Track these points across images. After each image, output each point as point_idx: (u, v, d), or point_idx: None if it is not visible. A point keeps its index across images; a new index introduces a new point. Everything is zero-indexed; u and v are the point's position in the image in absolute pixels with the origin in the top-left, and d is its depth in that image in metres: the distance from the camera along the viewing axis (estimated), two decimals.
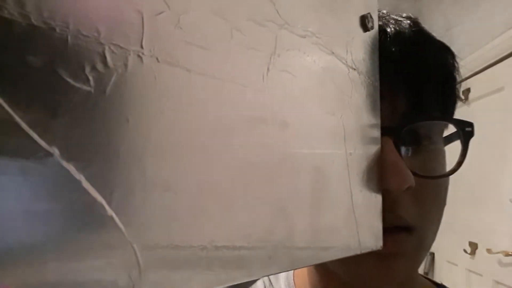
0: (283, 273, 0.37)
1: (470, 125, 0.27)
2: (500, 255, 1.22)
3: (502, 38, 1.27)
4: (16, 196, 0.09)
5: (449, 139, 0.29)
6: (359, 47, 0.22)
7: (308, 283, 0.34)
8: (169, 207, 0.12)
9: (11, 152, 0.09)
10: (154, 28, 0.12)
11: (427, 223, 0.27)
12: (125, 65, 0.11)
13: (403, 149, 0.26)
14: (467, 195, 1.43)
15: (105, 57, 0.11)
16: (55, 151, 0.10)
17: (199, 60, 0.14)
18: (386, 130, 0.24)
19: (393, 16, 0.28)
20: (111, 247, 0.11)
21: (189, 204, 0.13)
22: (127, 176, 0.11)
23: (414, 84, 0.26)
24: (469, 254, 1.41)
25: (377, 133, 0.24)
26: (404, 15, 0.28)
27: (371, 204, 0.23)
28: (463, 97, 1.46)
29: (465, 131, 0.27)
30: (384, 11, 0.28)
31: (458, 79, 0.29)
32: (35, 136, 0.09)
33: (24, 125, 0.09)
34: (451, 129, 0.28)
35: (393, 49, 0.25)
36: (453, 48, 0.28)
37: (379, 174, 0.23)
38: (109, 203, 0.11)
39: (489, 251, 1.26)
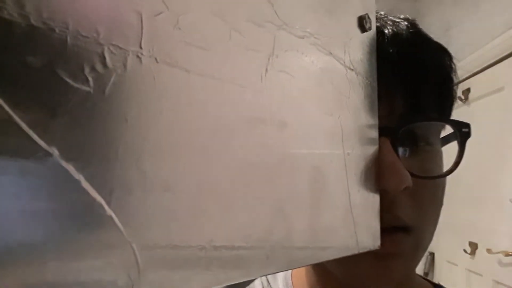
0: (281, 273, 0.37)
1: (467, 126, 0.27)
2: (500, 255, 1.22)
3: (502, 38, 1.27)
4: (15, 196, 0.09)
5: (446, 140, 0.29)
6: (357, 47, 0.23)
7: (306, 283, 0.34)
8: (168, 207, 0.12)
9: (11, 152, 0.09)
10: (153, 28, 0.12)
11: (424, 223, 0.27)
12: (124, 66, 0.11)
13: (400, 150, 0.26)
14: (467, 195, 1.43)
15: (104, 58, 0.11)
16: (55, 151, 0.10)
17: (198, 60, 0.14)
18: (383, 131, 0.24)
19: (390, 17, 0.28)
20: (110, 247, 0.11)
21: (188, 204, 0.13)
22: (126, 176, 0.11)
23: (412, 85, 0.26)
24: (469, 254, 1.41)
25: (374, 133, 0.24)
26: (401, 16, 0.28)
27: (368, 204, 0.23)
28: (463, 97, 1.46)
29: (462, 132, 0.27)
30: (382, 13, 0.28)
31: (455, 80, 0.29)
32: (34, 136, 0.09)
33: (23, 125, 0.09)
34: (448, 130, 0.29)
35: (391, 50, 0.25)
36: (453, 48, 0.28)
37: (376, 175, 0.23)
38: (108, 203, 0.11)
39: (489, 251, 1.26)
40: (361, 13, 0.23)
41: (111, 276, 0.11)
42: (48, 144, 0.10)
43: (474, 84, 1.44)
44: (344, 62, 0.21)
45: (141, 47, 0.12)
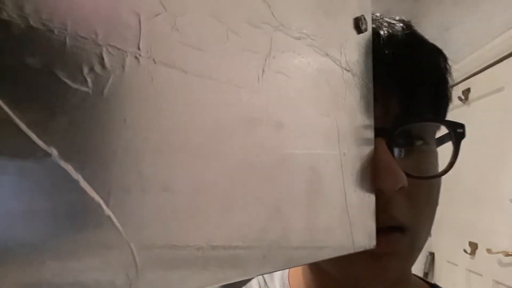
0: (278, 273, 0.37)
1: (462, 126, 0.28)
2: (500, 255, 1.22)
3: (502, 38, 1.27)
4: (14, 196, 0.09)
5: (441, 140, 0.30)
6: (353, 49, 0.23)
7: (302, 283, 0.34)
8: (166, 207, 0.13)
9: (10, 152, 0.09)
10: (151, 29, 0.12)
11: (420, 223, 0.27)
12: (123, 66, 0.11)
13: (396, 150, 0.26)
14: (467, 195, 1.44)
15: (102, 59, 0.11)
16: (53, 151, 0.10)
17: (196, 61, 0.14)
18: (379, 131, 0.24)
19: (386, 19, 0.28)
20: (108, 247, 0.11)
21: (186, 204, 0.13)
22: (124, 176, 0.11)
23: (407, 86, 0.26)
24: (469, 254, 1.41)
25: (370, 134, 0.24)
26: (397, 18, 0.29)
27: (364, 204, 0.23)
28: (463, 97, 1.46)
29: (457, 133, 0.28)
30: (378, 14, 0.29)
31: (450, 81, 0.29)
32: (33, 136, 0.10)
33: (22, 126, 0.09)
34: (443, 130, 0.29)
35: (386, 51, 0.26)
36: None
37: (372, 175, 0.24)
38: (106, 203, 0.11)
39: (489, 251, 1.26)
40: (357, 14, 0.23)
41: (110, 276, 0.11)
42: (47, 144, 0.10)
43: (474, 84, 1.44)
44: (340, 63, 0.22)
45: (139, 48, 0.12)
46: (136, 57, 0.12)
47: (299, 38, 0.19)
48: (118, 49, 0.11)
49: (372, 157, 0.24)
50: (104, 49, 0.11)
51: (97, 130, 0.11)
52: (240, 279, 0.16)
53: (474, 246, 1.40)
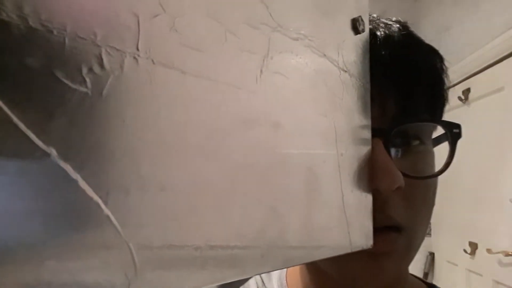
0: (276, 273, 0.37)
1: (458, 126, 0.28)
2: (500, 255, 1.22)
3: (502, 38, 1.27)
4: (13, 196, 0.09)
5: (438, 140, 0.30)
6: (350, 49, 0.23)
7: (300, 283, 0.34)
8: (165, 207, 0.13)
9: (9, 152, 0.09)
10: (149, 30, 0.12)
11: (416, 223, 0.27)
12: (121, 67, 0.11)
13: (393, 150, 0.26)
14: (467, 195, 1.44)
15: (101, 59, 0.11)
16: (52, 151, 0.10)
17: (194, 62, 0.14)
18: (376, 132, 0.24)
19: (383, 19, 0.28)
20: (107, 247, 0.11)
21: (184, 204, 0.13)
22: (123, 176, 0.11)
23: (404, 87, 0.26)
24: (469, 254, 1.41)
25: (367, 134, 0.24)
26: (393, 19, 0.29)
27: (361, 204, 0.23)
28: (463, 97, 1.46)
29: (453, 133, 0.28)
30: (374, 15, 0.29)
31: (447, 82, 0.29)
32: (32, 136, 0.10)
33: (22, 126, 0.09)
34: (440, 130, 0.29)
35: (383, 52, 0.26)
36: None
37: (369, 175, 0.24)
38: (105, 203, 0.11)
39: (489, 251, 1.26)
40: (355, 15, 0.23)
41: (108, 276, 0.11)
42: (46, 144, 0.10)
43: (474, 84, 1.44)
44: (338, 64, 0.22)
45: (138, 49, 0.12)
46: (134, 58, 0.12)
47: (296, 39, 0.19)
48: (117, 49, 0.11)
49: (369, 157, 0.24)
50: (103, 50, 0.11)
51: (96, 130, 0.11)
52: (238, 279, 0.16)
53: (474, 246, 1.40)
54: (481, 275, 1.36)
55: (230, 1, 0.15)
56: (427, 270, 1.73)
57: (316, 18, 0.20)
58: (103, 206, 0.11)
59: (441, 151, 0.30)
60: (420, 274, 1.71)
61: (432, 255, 1.75)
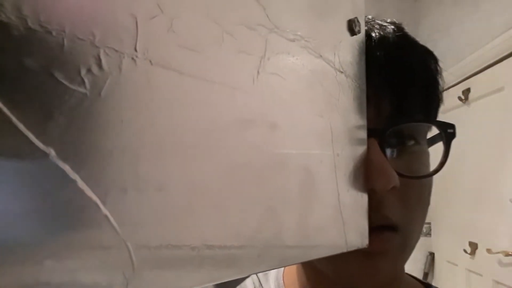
0: (273, 273, 0.37)
1: (452, 127, 0.28)
2: (500, 255, 1.22)
3: (502, 38, 1.27)
4: (12, 196, 0.09)
5: (433, 140, 0.30)
6: (346, 50, 0.23)
7: (297, 282, 0.34)
8: (162, 207, 0.13)
9: (8, 152, 0.09)
10: (147, 31, 0.12)
11: (411, 222, 0.27)
12: (120, 68, 0.12)
13: (388, 150, 0.27)
14: (467, 195, 1.44)
15: (100, 60, 0.11)
16: (51, 152, 0.10)
17: (191, 63, 0.14)
18: (371, 132, 0.24)
19: (378, 21, 0.29)
20: (105, 246, 0.11)
21: (182, 204, 0.13)
22: (121, 176, 0.11)
23: (399, 87, 0.26)
24: (469, 254, 1.41)
25: (363, 134, 0.24)
26: (388, 20, 0.29)
27: (357, 204, 0.23)
28: (463, 97, 1.46)
29: (447, 133, 0.28)
30: (370, 16, 0.29)
31: (441, 83, 0.30)
32: (31, 136, 0.10)
33: (21, 126, 0.09)
34: (434, 131, 0.29)
35: (378, 53, 0.26)
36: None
37: (365, 175, 0.24)
38: (103, 203, 0.11)
39: (489, 251, 1.26)
40: (351, 16, 0.24)
41: (107, 275, 0.11)
42: (45, 144, 0.10)
43: (474, 84, 1.44)
44: (334, 65, 0.22)
45: (136, 50, 0.12)
46: (133, 59, 0.12)
47: (293, 40, 0.19)
48: (115, 50, 0.11)
49: (365, 157, 0.24)
50: (102, 51, 0.11)
51: (94, 131, 0.11)
52: (235, 278, 0.16)
53: (474, 246, 1.40)
54: (481, 275, 1.36)
55: (227, 3, 0.15)
56: (427, 270, 1.73)
57: (313, 20, 0.20)
58: (101, 206, 0.11)
59: (438, 151, 0.30)
60: (420, 274, 1.71)
61: (432, 255, 1.75)
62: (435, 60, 0.29)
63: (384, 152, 0.25)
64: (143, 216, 0.12)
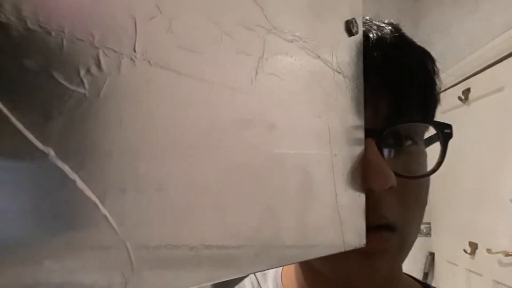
0: (271, 273, 0.37)
1: (449, 127, 0.28)
2: (500, 255, 1.22)
3: (502, 38, 1.26)
4: (11, 196, 0.10)
5: (430, 140, 0.30)
6: (344, 51, 0.23)
7: (295, 282, 0.35)
8: (161, 207, 0.13)
9: (8, 152, 0.09)
10: (146, 32, 0.12)
11: (409, 222, 0.28)
12: (119, 68, 0.12)
13: (385, 151, 0.27)
14: (467, 195, 1.44)
15: (99, 61, 0.11)
16: (51, 152, 0.10)
17: (190, 63, 0.14)
18: (369, 132, 0.25)
19: (375, 22, 0.29)
20: (104, 246, 0.11)
21: (180, 204, 0.13)
22: (120, 176, 0.12)
23: (396, 88, 0.27)
24: (469, 254, 1.41)
25: (361, 135, 0.24)
26: (386, 21, 0.29)
27: (355, 204, 0.23)
28: (463, 97, 1.46)
29: (444, 133, 0.28)
30: (367, 17, 0.29)
31: (438, 83, 0.30)
32: (31, 137, 0.10)
33: (20, 126, 0.09)
34: (432, 131, 0.29)
35: (375, 54, 0.26)
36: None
37: (362, 175, 0.24)
38: (102, 203, 0.11)
39: (489, 251, 1.26)
40: (348, 17, 0.24)
41: (106, 275, 0.11)
42: (44, 144, 0.10)
43: (474, 84, 1.43)
44: (332, 65, 0.22)
45: (135, 50, 0.12)
46: (132, 59, 0.12)
47: (291, 41, 0.19)
48: (114, 51, 0.11)
49: (363, 157, 0.24)
50: (101, 51, 0.11)
51: (93, 131, 0.11)
52: (233, 277, 0.16)
53: (474, 246, 1.40)
54: (481, 275, 1.36)
55: (225, 4, 0.15)
56: (427, 270, 1.73)
57: (311, 20, 0.21)
58: (100, 206, 0.11)
59: (436, 151, 0.30)
60: (420, 274, 1.71)
61: (432, 255, 1.75)
62: (432, 60, 0.30)
63: (381, 152, 0.25)
64: (142, 216, 0.12)
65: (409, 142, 0.28)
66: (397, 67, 0.27)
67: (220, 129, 0.15)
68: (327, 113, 0.21)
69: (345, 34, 0.23)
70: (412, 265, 1.71)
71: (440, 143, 0.29)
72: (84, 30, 0.11)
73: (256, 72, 0.17)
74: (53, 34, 0.10)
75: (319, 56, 0.21)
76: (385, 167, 0.24)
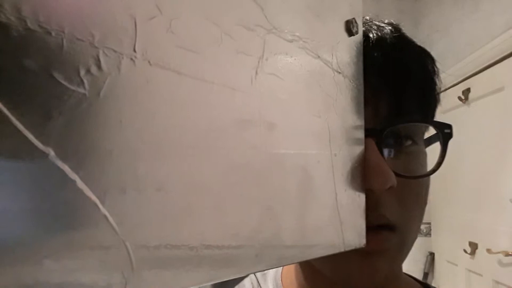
0: (271, 273, 0.37)
1: (449, 127, 0.28)
2: (500, 255, 1.22)
3: (502, 38, 1.26)
4: (11, 196, 0.10)
5: (430, 140, 0.30)
6: (344, 51, 0.23)
7: (295, 282, 0.35)
8: (161, 207, 0.13)
9: (8, 152, 0.09)
10: (146, 32, 0.12)
11: (408, 222, 0.28)
12: (119, 68, 0.12)
13: (385, 150, 0.27)
14: (467, 195, 1.44)
15: (99, 61, 0.11)
16: (51, 152, 0.10)
17: (190, 63, 0.14)
18: (369, 132, 0.25)
19: (375, 22, 0.29)
20: (104, 246, 0.11)
21: (180, 204, 0.13)
22: (120, 176, 0.12)
23: (396, 88, 0.27)
24: (469, 254, 1.41)
25: (361, 134, 0.24)
26: (386, 21, 0.29)
27: (355, 203, 0.23)
28: (463, 97, 1.46)
29: (444, 133, 0.28)
30: (367, 17, 0.29)
31: (438, 83, 0.30)
32: (31, 137, 0.10)
33: (20, 126, 0.09)
34: (432, 131, 0.29)
35: (375, 54, 0.26)
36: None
37: (362, 174, 0.24)
38: (102, 203, 0.11)
39: (489, 251, 1.26)
40: (349, 17, 0.24)
41: (106, 275, 0.11)
42: (44, 144, 0.10)
43: (474, 84, 1.43)
44: (332, 65, 0.22)
45: (135, 50, 0.12)
46: (132, 59, 0.12)
47: (291, 41, 0.19)
48: (114, 51, 0.11)
49: (362, 157, 0.24)
50: (101, 51, 0.11)
51: (93, 131, 0.11)
52: (232, 277, 0.16)
53: (474, 246, 1.39)
54: (481, 275, 1.36)
55: (225, 3, 0.15)
56: (427, 270, 1.73)
57: (311, 20, 0.21)
58: (100, 206, 0.11)
59: (436, 151, 0.30)
60: (420, 274, 1.71)
61: (432, 255, 1.75)
62: (432, 60, 0.30)
63: (381, 152, 0.25)
64: (142, 216, 0.12)
65: (409, 142, 0.28)
66: (397, 67, 0.27)
67: (220, 129, 0.15)
68: (327, 113, 0.21)
69: (345, 34, 0.23)
70: (412, 265, 1.71)
71: (440, 143, 0.29)
72: (84, 30, 0.11)
73: (256, 72, 0.17)
74: (53, 34, 0.10)
75: (319, 56, 0.21)
76: (385, 167, 0.24)
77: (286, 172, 0.18)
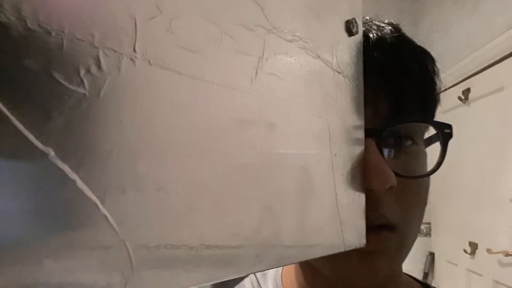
0: (271, 273, 0.37)
1: (449, 127, 0.28)
2: (500, 255, 1.22)
3: (502, 38, 1.26)
4: (11, 196, 0.10)
5: (430, 140, 0.30)
6: (344, 51, 0.23)
7: (295, 282, 0.35)
8: (161, 207, 0.13)
9: (7, 152, 0.09)
10: (146, 32, 0.12)
11: (408, 222, 0.28)
12: (119, 68, 0.12)
13: (385, 150, 0.27)
14: (467, 195, 1.43)
15: (99, 61, 0.11)
16: (51, 152, 0.10)
17: (190, 63, 0.14)
18: (369, 132, 0.25)
19: (375, 22, 0.29)
20: (104, 246, 0.11)
21: (180, 204, 0.13)
22: (120, 176, 0.12)
23: (396, 88, 0.27)
24: (469, 254, 1.41)
25: (361, 134, 0.24)
26: (386, 21, 0.29)
27: (355, 203, 0.23)
28: (463, 97, 1.46)
29: (444, 133, 0.28)
30: (367, 17, 0.29)
31: (438, 83, 0.30)
32: (31, 137, 0.10)
33: (20, 126, 0.09)
34: (432, 131, 0.29)
35: (375, 54, 0.26)
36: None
37: (362, 174, 0.24)
38: (102, 203, 0.11)
39: (489, 251, 1.26)
40: (349, 17, 0.24)
41: (106, 274, 0.11)
42: (44, 144, 0.10)
43: (474, 84, 1.43)
44: (332, 65, 0.22)
45: (135, 50, 0.12)
46: (132, 59, 0.12)
47: (291, 41, 0.19)
48: (114, 51, 0.11)
49: (362, 157, 0.24)
50: (101, 51, 0.11)
51: (93, 131, 0.11)
52: (232, 277, 0.16)
53: (474, 246, 1.39)
54: (481, 275, 1.35)
55: (225, 3, 0.15)
56: (427, 270, 1.73)
57: (311, 20, 0.21)
58: (100, 206, 0.11)
59: (436, 151, 0.30)
60: (420, 274, 1.71)
61: (432, 255, 1.75)
62: (432, 60, 0.30)
63: (381, 152, 0.25)
64: (142, 216, 0.12)
65: (409, 142, 0.28)
66: (397, 67, 0.27)
67: (219, 129, 0.15)
68: (327, 113, 0.21)
69: (345, 34, 0.23)
70: (412, 265, 1.71)
71: (440, 143, 0.29)
72: (84, 30, 0.11)
73: (256, 72, 0.17)
74: (53, 34, 0.10)
75: (319, 56, 0.21)
76: (385, 167, 0.24)
77: (286, 172, 0.18)
